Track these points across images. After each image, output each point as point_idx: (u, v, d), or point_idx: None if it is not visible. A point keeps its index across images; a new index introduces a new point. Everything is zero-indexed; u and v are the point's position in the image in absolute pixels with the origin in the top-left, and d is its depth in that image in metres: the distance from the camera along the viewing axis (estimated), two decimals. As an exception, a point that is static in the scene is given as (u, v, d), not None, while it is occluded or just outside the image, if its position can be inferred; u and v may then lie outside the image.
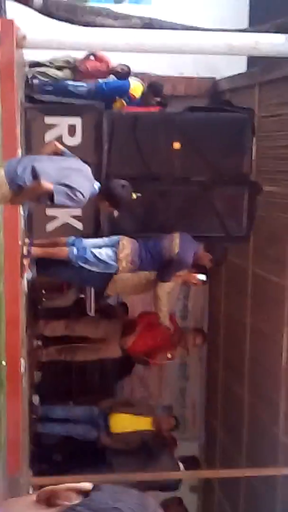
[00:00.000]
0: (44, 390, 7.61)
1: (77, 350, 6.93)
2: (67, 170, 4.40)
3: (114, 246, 5.93)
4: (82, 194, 4.39)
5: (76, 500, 1.03)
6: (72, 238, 5.98)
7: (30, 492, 4.78)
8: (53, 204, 4.42)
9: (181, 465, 6.91)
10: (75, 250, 5.85)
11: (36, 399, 7.18)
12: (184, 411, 8.96)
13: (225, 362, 8.23)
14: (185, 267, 6.05)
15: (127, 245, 5.93)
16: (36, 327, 6.76)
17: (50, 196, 4.31)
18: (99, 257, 5.86)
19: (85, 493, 1.05)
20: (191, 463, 7.14)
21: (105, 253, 5.89)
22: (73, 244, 5.91)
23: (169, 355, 7.02)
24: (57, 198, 4.30)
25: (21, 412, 5.59)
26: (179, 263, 5.97)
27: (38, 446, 7.24)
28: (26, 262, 5.69)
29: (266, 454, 6.64)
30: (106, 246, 5.97)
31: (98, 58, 7.10)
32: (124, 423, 6.88)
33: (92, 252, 5.86)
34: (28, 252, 5.68)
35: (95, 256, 5.86)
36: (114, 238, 6.02)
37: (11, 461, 5.30)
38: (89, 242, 5.97)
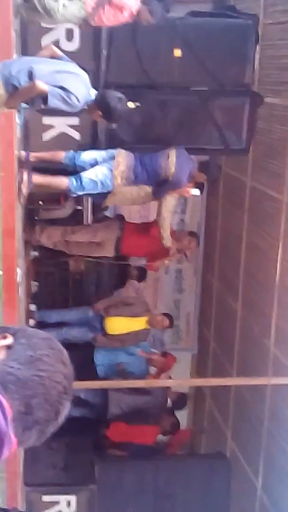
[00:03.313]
0: (41, 300, 7.71)
1: (72, 244, 6.94)
2: (63, 73, 4.27)
3: (110, 161, 5.88)
4: (77, 99, 4.28)
5: (2, 354, 1.30)
6: (71, 152, 5.92)
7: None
8: (47, 107, 4.31)
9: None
10: (74, 182, 5.84)
11: (33, 308, 7.28)
12: (178, 322, 9.12)
13: (220, 275, 8.31)
14: (180, 187, 6.07)
15: (122, 161, 5.90)
16: (33, 235, 6.76)
17: (44, 97, 4.20)
18: (95, 179, 5.87)
19: (7, 346, 1.31)
20: (180, 400, 7.44)
21: (101, 173, 5.88)
22: (72, 157, 5.88)
23: (166, 261, 7.09)
24: (51, 100, 4.20)
25: (17, 321, 5.68)
26: (174, 183, 5.98)
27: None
28: (23, 187, 5.66)
29: (256, 365, 6.82)
30: (103, 161, 5.91)
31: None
32: (120, 325, 7.03)
33: (88, 178, 5.85)
34: (27, 180, 5.64)
35: (91, 180, 5.87)
36: (111, 152, 5.96)
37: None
38: (87, 156, 5.92)
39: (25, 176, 5.60)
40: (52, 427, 1.34)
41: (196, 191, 6.27)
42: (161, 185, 6.01)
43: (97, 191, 6.02)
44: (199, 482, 6.71)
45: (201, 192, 6.46)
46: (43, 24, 5.68)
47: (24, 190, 5.67)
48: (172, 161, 5.89)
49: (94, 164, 5.93)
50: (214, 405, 8.57)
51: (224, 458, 7.25)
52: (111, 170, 5.88)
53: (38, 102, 4.35)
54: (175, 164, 5.88)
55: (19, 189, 5.57)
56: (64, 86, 4.21)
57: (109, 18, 5.22)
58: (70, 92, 4.23)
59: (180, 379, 7.87)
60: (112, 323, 7.03)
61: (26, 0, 5.18)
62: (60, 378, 1.31)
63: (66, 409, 1.35)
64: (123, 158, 5.92)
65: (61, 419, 1.35)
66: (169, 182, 5.94)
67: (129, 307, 7.18)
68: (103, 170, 5.89)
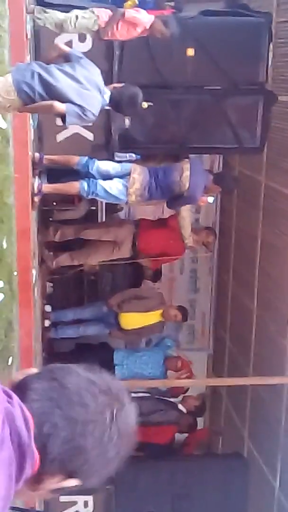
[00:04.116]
0: (56, 301, 7.73)
1: (88, 253, 6.93)
2: (78, 87, 4.30)
3: (125, 177, 5.88)
4: (93, 114, 4.35)
5: None
6: (85, 158, 5.93)
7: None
8: (64, 125, 4.42)
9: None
10: (85, 186, 5.83)
11: (48, 308, 7.30)
12: (194, 322, 9.10)
13: (235, 274, 8.27)
14: (195, 202, 6.10)
15: (137, 178, 5.88)
16: (46, 234, 6.78)
17: (62, 117, 4.28)
18: (110, 191, 5.87)
19: None
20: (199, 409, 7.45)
21: (115, 188, 5.88)
22: (86, 164, 5.88)
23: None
24: (69, 119, 4.28)
25: (33, 322, 5.69)
26: (189, 198, 6.00)
27: (51, 354, 7.44)
28: (37, 199, 5.70)
29: (273, 365, 6.78)
30: (117, 175, 5.91)
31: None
32: (135, 321, 7.05)
33: (102, 187, 5.84)
34: (39, 190, 5.67)
35: (105, 190, 5.87)
36: (126, 166, 5.95)
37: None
38: (100, 167, 5.90)
39: (36, 186, 5.62)
40: (100, 429, 1.19)
41: (210, 199, 6.31)
42: (176, 199, 6.03)
43: (109, 201, 6.09)
44: (217, 482, 6.69)
45: (215, 199, 6.57)
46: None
47: (37, 200, 5.71)
48: (186, 176, 5.87)
49: (107, 176, 5.91)
50: (231, 405, 8.53)
51: (242, 458, 7.22)
52: (126, 187, 5.88)
53: (56, 115, 4.46)
54: (190, 179, 5.86)
55: (32, 200, 5.60)
56: (79, 103, 4.26)
57: (122, 34, 5.24)
58: (86, 109, 4.30)
59: (196, 379, 7.85)
60: (127, 319, 7.06)
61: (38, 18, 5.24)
62: (94, 377, 1.24)
63: (111, 413, 1.21)
64: (138, 174, 5.90)
65: (111, 425, 1.20)
66: (184, 197, 5.96)
67: (143, 301, 7.17)
68: (118, 186, 5.88)
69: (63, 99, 4.25)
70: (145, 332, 7.17)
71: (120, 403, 1.23)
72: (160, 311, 7.13)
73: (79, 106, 4.27)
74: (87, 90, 4.36)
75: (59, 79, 4.26)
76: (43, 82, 4.21)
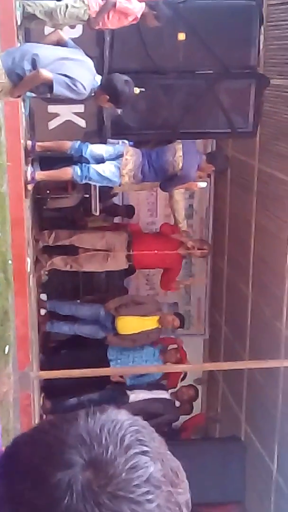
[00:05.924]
0: (51, 290, 7.73)
1: (82, 262, 6.96)
2: (68, 61, 4.25)
3: (118, 159, 5.86)
4: (83, 86, 4.26)
5: None
6: (78, 143, 5.90)
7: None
8: (52, 95, 4.30)
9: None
10: (78, 171, 5.80)
11: (43, 297, 7.30)
12: (189, 307, 9.13)
13: (230, 259, 8.29)
14: (189, 181, 6.08)
15: (130, 159, 5.90)
16: (41, 239, 6.80)
17: (49, 85, 4.18)
18: (102, 174, 5.87)
19: None
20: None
21: (108, 170, 5.88)
22: (79, 149, 5.85)
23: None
24: (57, 88, 4.18)
25: (29, 310, 5.69)
26: (183, 177, 6.00)
27: (46, 343, 7.47)
28: (30, 187, 5.68)
29: (268, 348, 6.81)
30: (110, 158, 5.89)
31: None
32: (131, 325, 7.02)
33: (95, 170, 5.82)
34: (32, 178, 5.65)
35: (98, 174, 5.86)
36: (119, 148, 5.94)
37: (21, 357, 5.45)
38: (94, 150, 5.88)
39: (29, 174, 5.60)
40: None
41: (203, 184, 6.34)
42: (169, 180, 6.04)
43: (103, 185, 6.07)
44: (215, 466, 6.72)
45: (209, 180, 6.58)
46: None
47: (30, 187, 5.70)
48: (179, 156, 5.88)
49: (100, 160, 5.89)
50: (227, 389, 8.58)
51: (239, 441, 7.26)
52: (119, 168, 5.87)
53: (44, 90, 4.33)
54: (183, 159, 5.88)
55: (25, 187, 5.58)
56: (68, 74, 4.19)
57: (113, 23, 5.20)
58: (75, 80, 4.21)
59: (192, 364, 7.88)
60: (124, 323, 7.02)
61: (26, 17, 5.18)
62: None
63: None
64: (131, 156, 5.91)
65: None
66: (177, 177, 5.98)
67: (140, 306, 7.19)
68: (111, 168, 5.88)
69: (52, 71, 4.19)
70: (141, 338, 7.07)
71: None
72: (157, 318, 7.12)
73: (67, 76, 4.20)
74: (78, 63, 4.31)
75: (49, 57, 4.22)
76: (33, 61, 4.16)
